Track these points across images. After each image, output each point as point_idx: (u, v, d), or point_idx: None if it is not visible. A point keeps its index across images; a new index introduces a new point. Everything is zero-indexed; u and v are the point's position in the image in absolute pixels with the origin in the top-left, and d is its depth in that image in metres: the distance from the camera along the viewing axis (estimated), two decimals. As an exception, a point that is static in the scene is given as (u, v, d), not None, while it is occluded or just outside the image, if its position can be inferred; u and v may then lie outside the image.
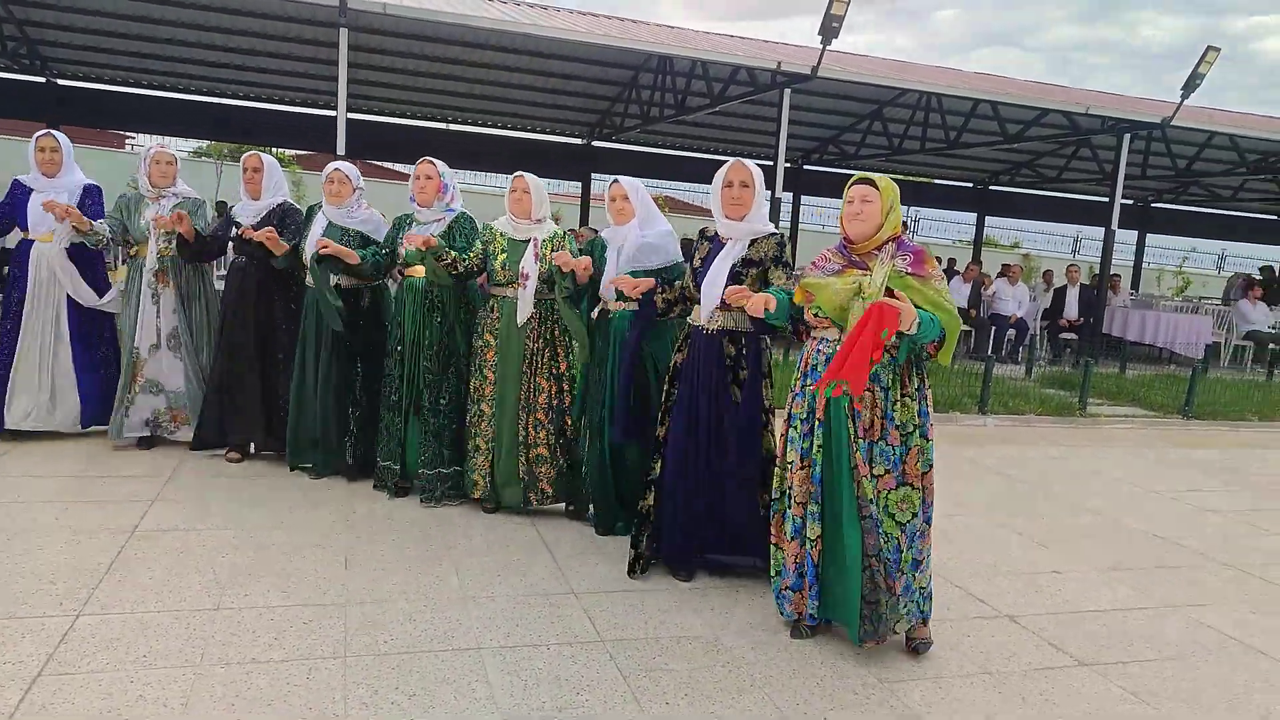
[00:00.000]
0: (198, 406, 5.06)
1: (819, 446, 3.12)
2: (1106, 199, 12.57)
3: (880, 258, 3.06)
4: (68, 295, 5.04)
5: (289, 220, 4.90)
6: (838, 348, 2.97)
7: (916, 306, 2.91)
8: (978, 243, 20.16)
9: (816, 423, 3.13)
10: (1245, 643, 3.52)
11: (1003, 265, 13.32)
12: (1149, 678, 3.15)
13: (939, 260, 3.63)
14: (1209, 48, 10.22)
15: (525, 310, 4.24)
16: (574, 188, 18.18)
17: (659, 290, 3.83)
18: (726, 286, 3.44)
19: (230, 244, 5.10)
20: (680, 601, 3.53)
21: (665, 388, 3.75)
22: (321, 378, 4.67)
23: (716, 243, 3.66)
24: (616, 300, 4.04)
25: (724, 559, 3.73)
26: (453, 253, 4.30)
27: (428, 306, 4.43)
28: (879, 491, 3.03)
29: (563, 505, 4.45)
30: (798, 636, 3.26)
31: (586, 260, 4.05)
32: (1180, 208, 20.96)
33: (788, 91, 10.68)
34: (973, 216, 20.49)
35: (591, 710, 2.70)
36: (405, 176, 21.18)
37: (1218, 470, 6.69)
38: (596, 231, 4.56)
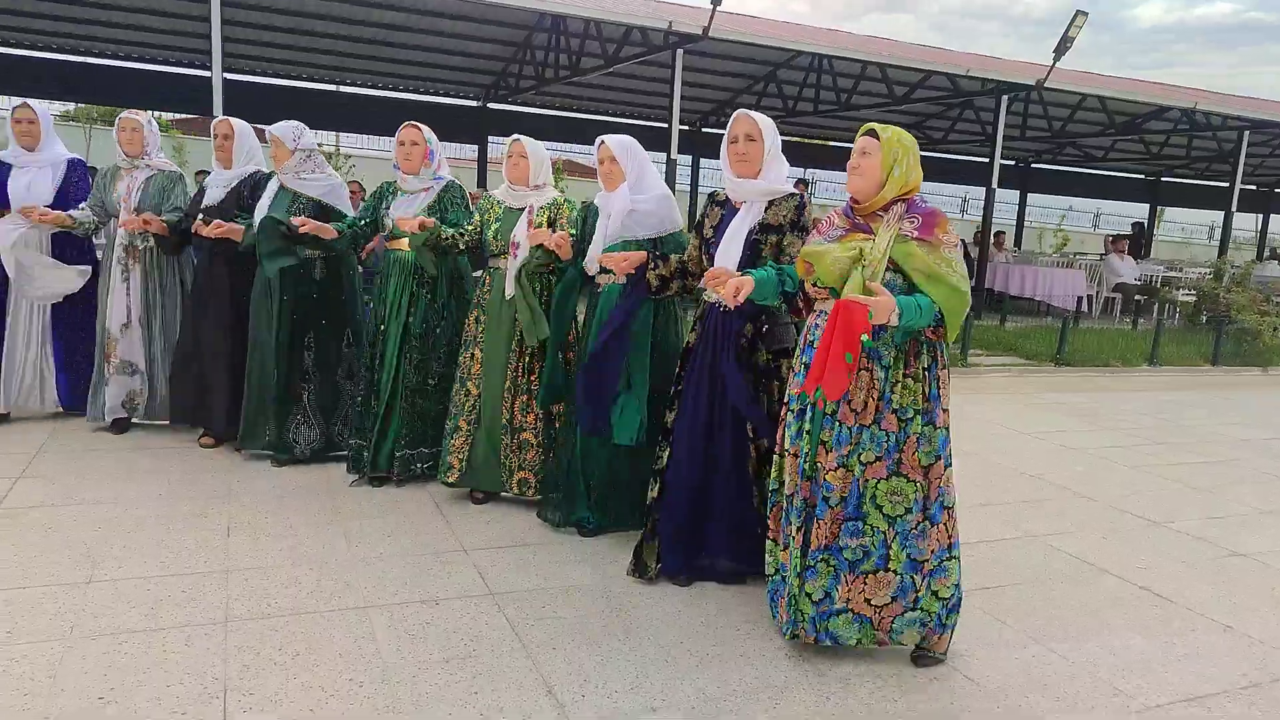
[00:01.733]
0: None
1: (806, 431, 2.79)
2: (988, 159, 13.07)
3: (886, 220, 2.70)
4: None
5: (261, 191, 4.58)
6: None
7: (909, 281, 2.64)
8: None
9: (807, 405, 2.80)
10: (1097, 565, 3.80)
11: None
12: (1008, 600, 3.38)
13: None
14: (1077, 12, 10.68)
15: (514, 283, 3.88)
16: (471, 151, 17.86)
17: (651, 266, 3.38)
18: (744, 255, 3.10)
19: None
20: (571, 554, 3.59)
21: (677, 370, 3.38)
22: (274, 354, 4.40)
23: (729, 208, 3.27)
24: (602, 274, 3.66)
25: (726, 564, 3.34)
26: (450, 231, 4.03)
27: (417, 282, 4.18)
28: (865, 480, 2.69)
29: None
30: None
31: (560, 235, 3.69)
32: (1058, 168, 21.99)
33: (680, 52, 10.69)
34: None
35: (480, 659, 2.74)
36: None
37: (1083, 412, 7.13)
38: (487, 193, 4.29)
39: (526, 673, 2.67)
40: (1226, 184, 14.88)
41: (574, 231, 3.82)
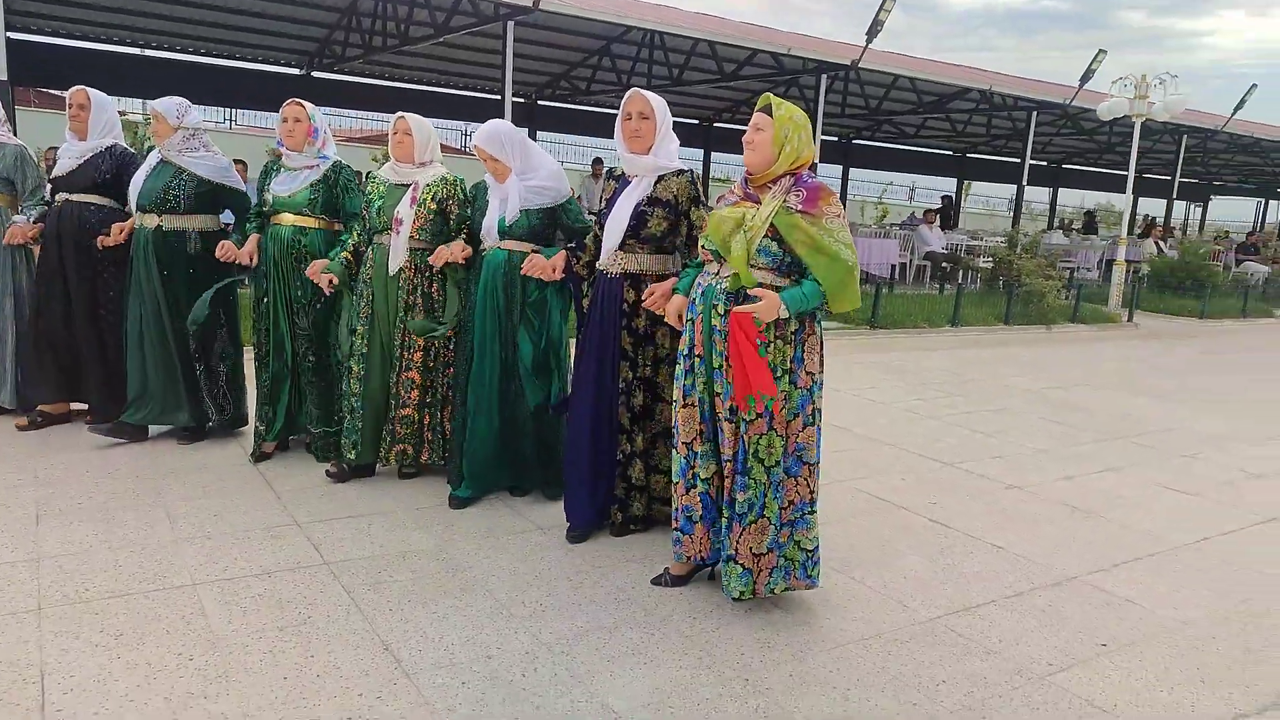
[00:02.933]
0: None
1: (703, 384, 2.95)
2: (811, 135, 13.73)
3: (773, 191, 2.85)
4: None
5: (130, 169, 4.44)
6: (711, 282, 2.91)
7: (788, 250, 2.79)
8: (705, 179, 21.31)
9: (697, 359, 2.95)
10: (892, 503, 4.22)
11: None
12: (817, 538, 3.72)
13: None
14: (886, -4, 11.40)
15: (398, 259, 3.87)
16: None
17: (575, 260, 3.58)
18: (629, 225, 3.29)
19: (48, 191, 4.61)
20: (407, 521, 3.66)
21: (577, 335, 3.59)
22: (156, 330, 4.31)
23: (623, 181, 3.42)
24: (496, 239, 3.73)
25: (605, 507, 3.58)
26: (346, 253, 4.05)
27: (295, 257, 4.12)
28: (749, 437, 2.85)
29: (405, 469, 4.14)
30: (664, 584, 3.15)
31: (456, 246, 3.80)
32: (877, 144, 23.36)
33: (511, 24, 10.65)
34: (700, 153, 21.58)
35: (315, 625, 2.78)
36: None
37: (892, 369, 7.76)
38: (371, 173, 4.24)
39: (363, 634, 2.74)
40: (1020, 160, 16.30)
41: (467, 214, 3.94)
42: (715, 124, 20.54)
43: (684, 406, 3.02)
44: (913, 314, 10.25)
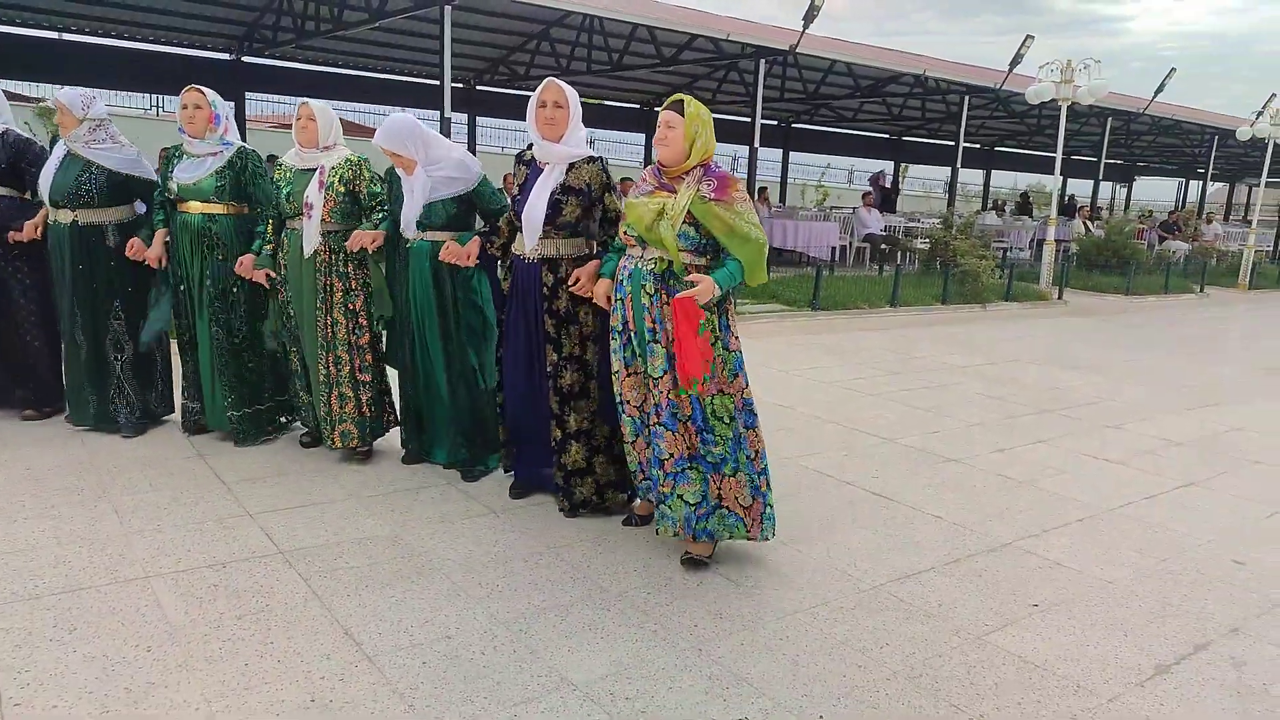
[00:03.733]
0: None
1: (637, 354, 3.26)
2: (750, 119, 13.91)
3: (687, 181, 3.10)
4: None
5: (26, 155, 4.42)
6: (637, 264, 3.20)
7: (704, 234, 3.08)
8: (647, 162, 21.36)
9: (632, 334, 3.25)
10: (836, 478, 4.37)
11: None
12: (764, 514, 3.84)
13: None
14: (822, -17, 11.54)
15: (311, 242, 3.97)
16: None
17: (489, 245, 3.72)
18: (547, 214, 3.42)
19: None
20: (360, 509, 3.67)
21: (499, 315, 3.76)
22: (80, 323, 4.30)
23: (534, 167, 3.53)
24: (417, 232, 3.84)
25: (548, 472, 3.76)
26: (268, 245, 4.16)
27: (207, 245, 4.19)
28: (702, 398, 3.13)
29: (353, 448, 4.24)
30: (634, 525, 3.57)
31: (373, 234, 3.90)
32: (815, 128, 23.66)
33: (449, 8, 10.53)
34: (641, 137, 21.63)
35: (274, 612, 2.79)
36: (23, 98, 18.15)
37: (834, 350, 7.94)
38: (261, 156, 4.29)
39: (322, 620, 2.77)
40: (954, 143, 16.68)
41: (378, 190, 4.04)
42: (655, 109, 20.56)
43: (629, 375, 3.32)
44: (853, 295, 10.48)
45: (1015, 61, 14.71)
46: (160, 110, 21.90)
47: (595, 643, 2.72)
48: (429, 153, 3.79)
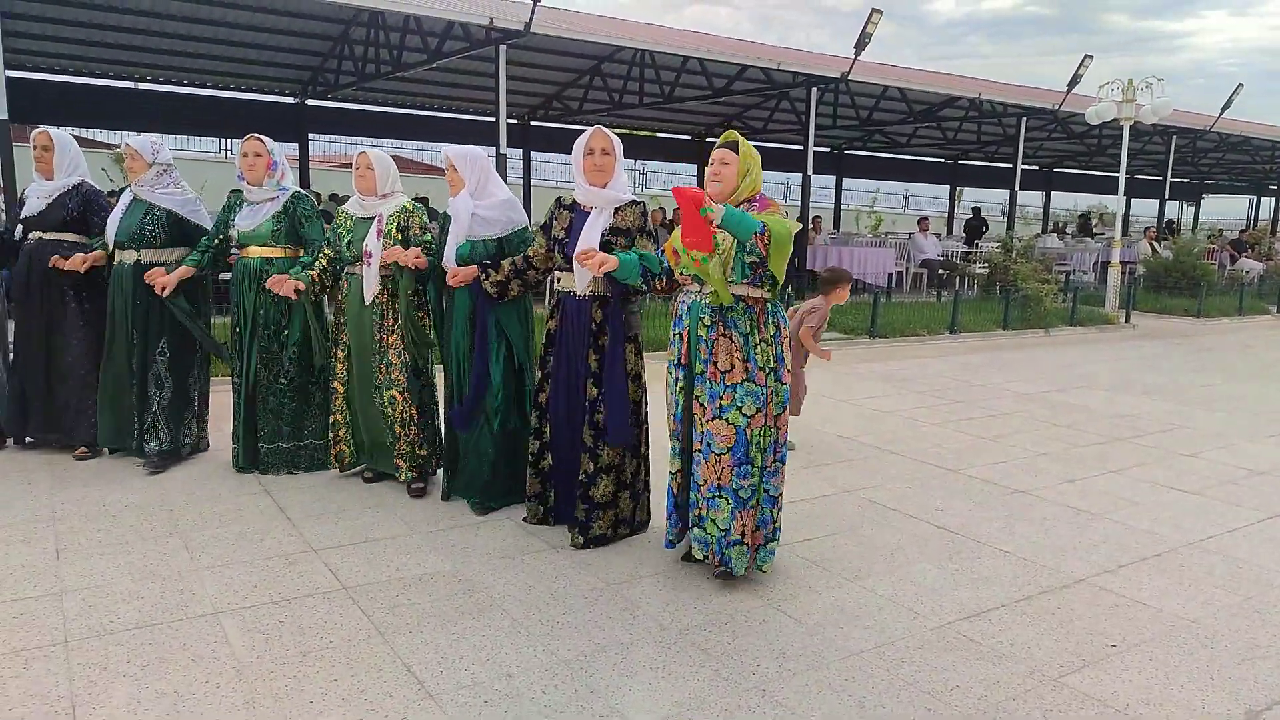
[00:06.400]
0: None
1: (681, 388, 3.35)
2: (803, 147, 13.88)
3: None
4: None
5: (94, 205, 4.65)
6: (695, 299, 3.30)
7: (757, 260, 3.15)
8: (699, 192, 21.40)
9: (684, 367, 3.35)
10: (901, 511, 4.27)
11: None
12: (826, 548, 3.77)
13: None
14: (873, 10, 11.54)
15: (371, 289, 4.14)
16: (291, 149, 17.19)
17: (484, 276, 3.80)
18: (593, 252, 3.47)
19: (20, 229, 4.70)
20: (423, 545, 3.70)
21: (541, 355, 3.80)
22: (137, 361, 4.51)
23: (579, 211, 3.66)
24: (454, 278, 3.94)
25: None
26: (313, 272, 4.24)
27: (263, 287, 4.34)
28: (750, 430, 3.20)
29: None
30: (690, 562, 3.50)
31: (414, 252, 3.97)
32: (868, 154, 23.50)
33: (504, 48, 10.76)
34: (693, 167, 21.71)
35: (338, 650, 2.82)
36: (102, 144, 18.99)
37: (893, 378, 7.81)
38: (322, 196, 4.49)
39: (385, 658, 2.78)
40: (1011, 165, 16.42)
41: (428, 238, 4.15)
42: (709, 139, 20.67)
43: (679, 409, 3.40)
44: (911, 322, 10.33)
45: (1074, 82, 14.46)
46: (228, 154, 22.73)
47: (656, 683, 2.68)
48: (484, 184, 3.96)
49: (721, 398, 3.21)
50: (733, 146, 3.26)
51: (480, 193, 3.95)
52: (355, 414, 4.37)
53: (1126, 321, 12.13)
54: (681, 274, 3.35)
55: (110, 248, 4.53)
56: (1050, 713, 2.58)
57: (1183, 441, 5.78)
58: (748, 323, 3.24)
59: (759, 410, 3.20)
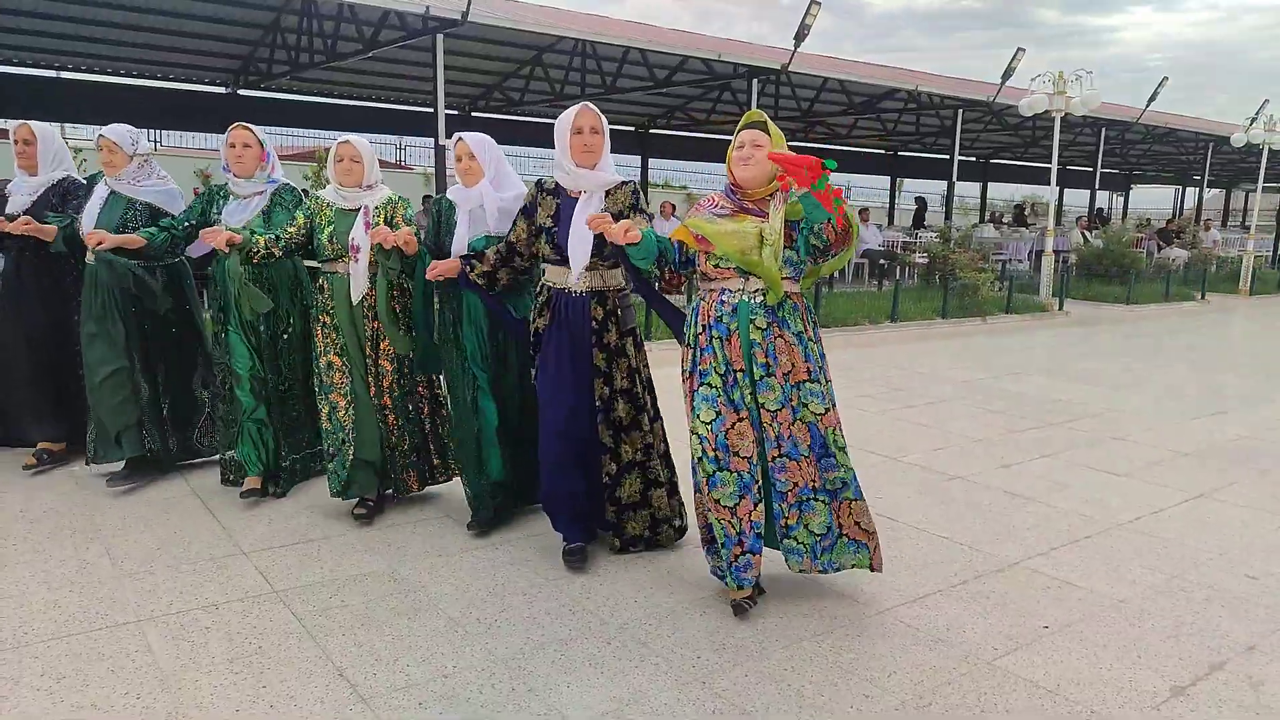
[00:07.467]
0: None
1: (749, 394, 3.00)
2: (745, 139, 13.89)
3: (774, 203, 2.93)
4: None
5: (71, 198, 4.38)
6: (742, 297, 2.95)
7: (804, 250, 2.96)
8: (644, 183, 21.40)
9: (739, 373, 2.98)
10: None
11: (662, 203, 14.37)
12: (767, 538, 3.77)
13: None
14: (811, 2, 11.61)
15: (359, 287, 3.70)
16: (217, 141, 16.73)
17: (469, 269, 3.48)
18: (594, 244, 3.20)
19: None
20: (357, 544, 3.62)
21: (530, 353, 3.50)
22: (125, 364, 4.17)
23: (566, 197, 3.33)
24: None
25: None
26: (261, 238, 3.77)
27: (259, 288, 3.97)
28: (824, 428, 3.03)
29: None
30: (743, 612, 3.03)
31: (404, 233, 3.60)
32: (810, 145, 23.73)
33: (441, 37, 10.59)
34: (636, 159, 21.67)
35: (267, 654, 2.73)
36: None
37: (836, 368, 7.81)
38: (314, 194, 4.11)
39: (316, 661, 2.70)
40: (949, 156, 16.71)
41: (415, 229, 3.75)
42: (651, 130, 20.66)
43: (738, 420, 2.98)
44: (852, 311, 10.43)
45: (1007, 74, 14.75)
46: (157, 145, 22.02)
47: (595, 678, 2.65)
48: (500, 174, 3.63)
49: (791, 399, 3.00)
50: (762, 127, 2.93)
51: (499, 183, 3.61)
52: (360, 423, 3.87)
53: (1060, 309, 12.44)
54: (716, 267, 3.00)
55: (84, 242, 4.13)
56: (984, 696, 2.61)
57: (1112, 425, 5.94)
58: (798, 321, 3.00)
59: (827, 410, 3.03)
